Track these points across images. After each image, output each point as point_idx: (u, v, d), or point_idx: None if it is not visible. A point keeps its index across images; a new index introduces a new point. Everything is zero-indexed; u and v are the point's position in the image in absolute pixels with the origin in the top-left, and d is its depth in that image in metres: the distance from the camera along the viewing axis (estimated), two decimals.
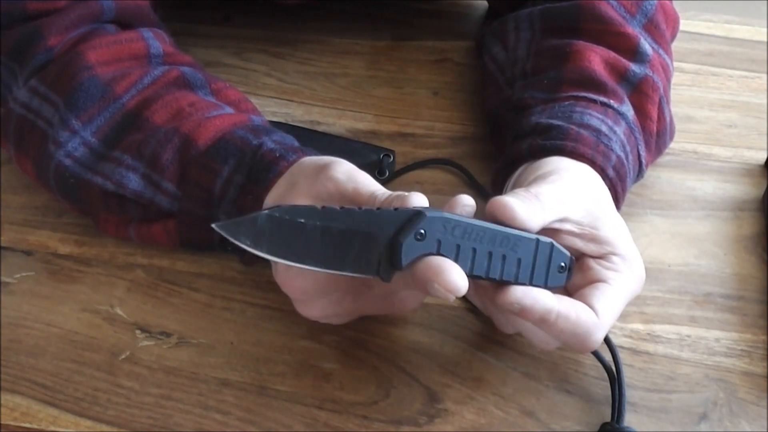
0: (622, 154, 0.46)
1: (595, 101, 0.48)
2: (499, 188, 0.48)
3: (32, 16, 0.48)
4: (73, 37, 0.48)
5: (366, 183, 0.39)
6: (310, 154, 0.44)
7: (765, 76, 0.64)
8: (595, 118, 0.46)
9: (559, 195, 0.40)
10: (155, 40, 0.50)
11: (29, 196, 0.53)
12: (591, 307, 0.38)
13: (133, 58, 0.49)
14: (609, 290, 0.39)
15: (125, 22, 0.51)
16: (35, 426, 0.41)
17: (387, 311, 0.41)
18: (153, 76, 0.48)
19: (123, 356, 0.44)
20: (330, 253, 0.35)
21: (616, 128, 0.46)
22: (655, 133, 0.50)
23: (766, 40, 0.68)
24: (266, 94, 0.61)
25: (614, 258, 0.40)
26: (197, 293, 0.47)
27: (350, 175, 0.39)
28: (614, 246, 0.40)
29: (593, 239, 0.40)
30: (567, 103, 0.48)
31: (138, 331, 0.45)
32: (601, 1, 0.51)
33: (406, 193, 0.37)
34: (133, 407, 0.42)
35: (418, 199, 0.37)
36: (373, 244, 0.35)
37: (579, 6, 0.52)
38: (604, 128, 0.46)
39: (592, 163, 0.44)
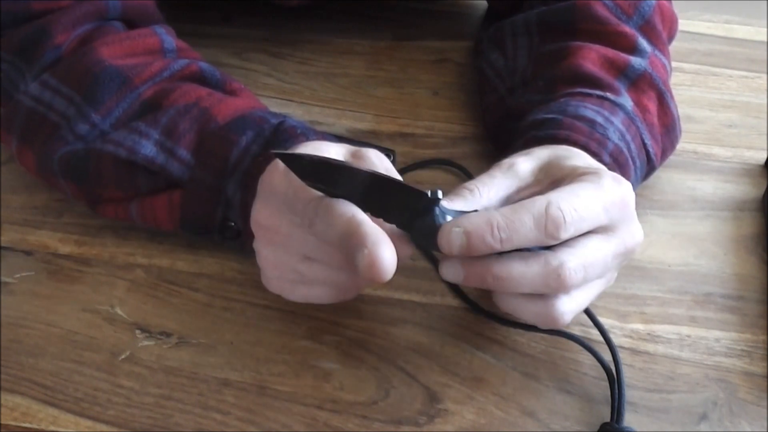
0: (620, 143, 0.45)
1: (590, 94, 0.48)
2: None
3: (37, 15, 0.48)
4: (79, 33, 0.48)
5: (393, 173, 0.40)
6: (329, 139, 0.43)
7: (765, 76, 0.64)
8: (589, 109, 0.46)
9: (502, 173, 0.40)
10: (168, 36, 0.51)
11: (29, 196, 0.53)
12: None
13: (148, 52, 0.49)
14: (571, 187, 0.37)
15: (130, 21, 0.51)
16: (35, 426, 0.41)
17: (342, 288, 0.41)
18: (172, 69, 0.48)
19: (123, 356, 0.44)
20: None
21: (613, 119, 0.46)
22: (658, 125, 0.50)
23: (766, 40, 0.68)
24: (266, 94, 0.61)
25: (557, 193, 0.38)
26: (197, 293, 0.47)
27: (382, 162, 0.40)
28: (574, 173, 0.39)
29: (553, 185, 0.39)
30: (562, 99, 0.48)
31: (138, 331, 0.45)
32: (597, 2, 0.52)
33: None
34: (133, 407, 0.42)
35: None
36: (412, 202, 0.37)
37: (574, 7, 0.52)
38: (599, 119, 0.46)
39: (587, 149, 0.43)
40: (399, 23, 0.69)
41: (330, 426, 0.41)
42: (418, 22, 0.69)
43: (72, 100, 0.46)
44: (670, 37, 0.56)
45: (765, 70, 0.65)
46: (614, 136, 0.45)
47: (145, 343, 0.45)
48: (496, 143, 0.55)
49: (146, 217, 0.47)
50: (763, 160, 0.57)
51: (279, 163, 0.39)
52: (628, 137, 0.47)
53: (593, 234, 0.38)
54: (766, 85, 0.63)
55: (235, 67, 0.64)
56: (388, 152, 0.55)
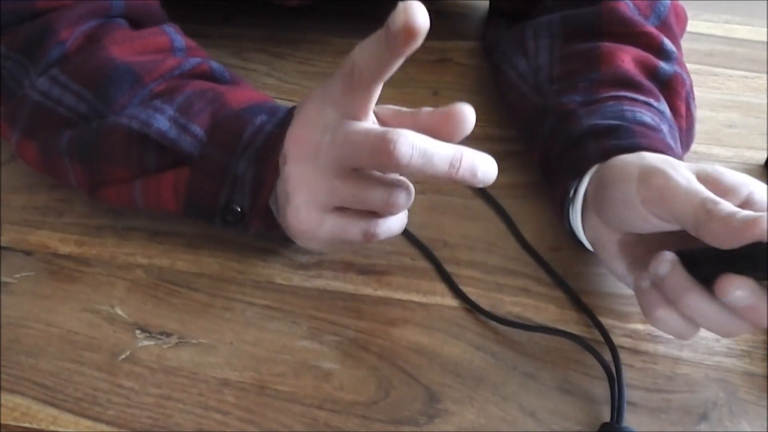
0: (675, 149, 0.46)
1: (636, 100, 0.48)
2: (561, 200, 0.47)
3: (40, 13, 0.48)
4: (84, 30, 0.48)
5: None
6: None
7: (765, 76, 0.64)
8: (645, 115, 0.46)
9: (686, 179, 0.39)
10: (177, 34, 0.51)
11: (29, 196, 0.53)
12: None
13: (158, 51, 0.49)
14: None
15: (135, 20, 0.51)
16: (35, 426, 0.41)
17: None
18: (183, 68, 0.48)
19: (123, 356, 0.44)
20: None
21: (662, 125, 0.47)
22: (685, 129, 0.50)
23: (766, 40, 0.68)
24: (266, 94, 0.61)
25: (756, 189, 0.38)
26: (197, 293, 0.47)
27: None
28: (744, 183, 0.39)
29: (724, 191, 0.38)
30: (611, 103, 0.48)
31: (138, 331, 0.45)
32: (620, 3, 0.52)
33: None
34: (133, 407, 0.42)
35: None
36: None
37: (599, 10, 0.52)
38: (655, 125, 0.46)
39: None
40: None
41: (330, 426, 0.41)
42: None
43: (82, 96, 0.46)
44: (681, 37, 0.56)
45: (765, 70, 0.65)
46: (671, 143, 0.46)
47: (145, 343, 0.45)
48: (529, 137, 0.54)
49: (150, 197, 0.47)
50: (763, 160, 0.57)
51: (313, 91, 0.41)
52: (672, 144, 0.47)
53: None
54: (766, 85, 0.63)
55: (235, 67, 0.64)
56: None
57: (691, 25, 0.68)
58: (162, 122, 0.44)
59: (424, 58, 0.65)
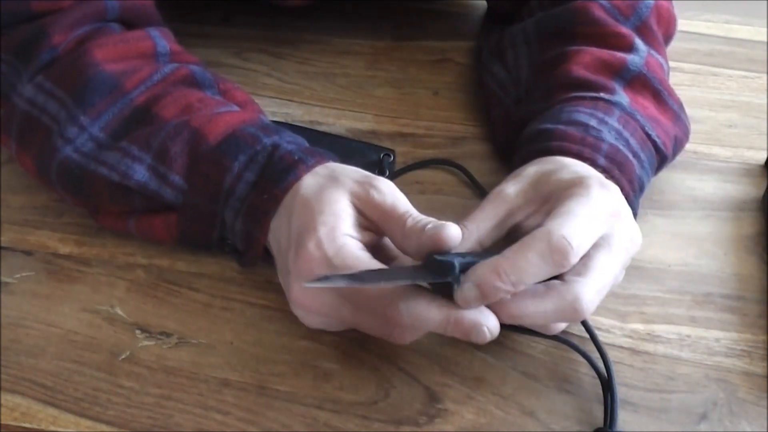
0: (617, 142, 0.46)
1: (583, 97, 0.48)
2: None
3: (37, 16, 0.48)
4: (77, 35, 0.48)
5: (404, 201, 0.41)
6: (327, 159, 0.44)
7: (765, 76, 0.64)
8: (583, 113, 0.47)
9: (490, 202, 0.42)
10: (162, 39, 0.51)
11: (29, 196, 0.53)
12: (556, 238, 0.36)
13: (141, 56, 0.49)
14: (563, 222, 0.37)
15: (129, 22, 0.51)
16: (35, 426, 0.41)
17: (381, 336, 0.40)
18: (162, 73, 0.48)
19: (123, 356, 0.44)
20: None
21: (608, 118, 0.47)
22: (663, 118, 0.50)
23: (766, 40, 0.68)
24: (266, 94, 0.61)
25: (563, 193, 0.40)
26: (197, 293, 0.47)
27: (392, 192, 0.41)
28: (560, 187, 0.41)
29: (544, 202, 0.41)
30: (557, 107, 0.49)
31: (138, 331, 0.45)
32: (593, 3, 0.52)
33: (441, 223, 0.39)
34: (133, 407, 0.42)
35: (453, 232, 0.38)
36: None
37: (571, 10, 0.52)
38: (593, 122, 0.46)
39: (580, 156, 0.44)
40: (399, 23, 0.69)
41: (330, 426, 0.41)
42: (418, 22, 0.69)
43: (64, 103, 0.46)
44: (668, 37, 0.56)
45: (765, 70, 0.65)
46: (609, 137, 0.46)
47: (145, 343, 0.45)
48: (507, 157, 0.54)
49: (144, 232, 0.47)
50: (763, 160, 0.57)
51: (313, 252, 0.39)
52: (626, 134, 0.47)
53: (598, 250, 0.38)
54: (766, 85, 0.63)
55: (235, 67, 0.64)
56: (388, 152, 0.55)
57: (691, 25, 0.68)
58: (140, 173, 0.44)
59: (424, 58, 0.65)
